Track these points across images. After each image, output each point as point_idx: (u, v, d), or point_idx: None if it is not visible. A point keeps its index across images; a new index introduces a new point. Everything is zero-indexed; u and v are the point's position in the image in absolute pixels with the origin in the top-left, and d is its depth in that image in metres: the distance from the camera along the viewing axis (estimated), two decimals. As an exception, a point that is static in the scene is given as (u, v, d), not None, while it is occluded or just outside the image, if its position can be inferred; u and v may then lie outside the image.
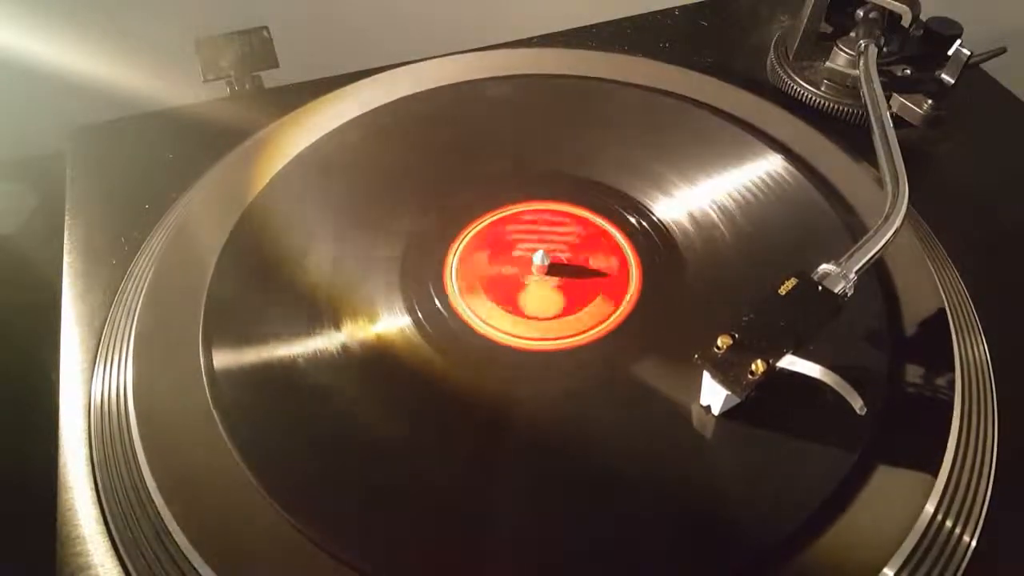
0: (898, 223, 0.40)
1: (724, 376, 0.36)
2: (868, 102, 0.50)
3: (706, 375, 0.37)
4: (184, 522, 0.34)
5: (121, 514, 0.36)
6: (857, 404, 0.34)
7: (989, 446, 0.39)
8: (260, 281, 0.44)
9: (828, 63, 0.58)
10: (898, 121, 0.54)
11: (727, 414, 0.38)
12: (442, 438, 0.38)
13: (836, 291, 0.38)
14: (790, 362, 0.35)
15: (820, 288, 0.38)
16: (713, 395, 0.37)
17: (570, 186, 0.49)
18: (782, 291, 0.37)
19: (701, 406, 0.38)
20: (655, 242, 0.46)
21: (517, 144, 0.52)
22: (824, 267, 0.38)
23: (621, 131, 0.52)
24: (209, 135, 0.53)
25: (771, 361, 0.35)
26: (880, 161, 0.45)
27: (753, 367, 0.35)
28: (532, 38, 0.62)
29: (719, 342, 0.36)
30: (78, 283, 0.46)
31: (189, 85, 0.59)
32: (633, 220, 0.47)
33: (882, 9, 0.55)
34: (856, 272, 0.38)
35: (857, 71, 0.53)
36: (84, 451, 0.39)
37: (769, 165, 0.49)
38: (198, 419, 0.37)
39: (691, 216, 0.47)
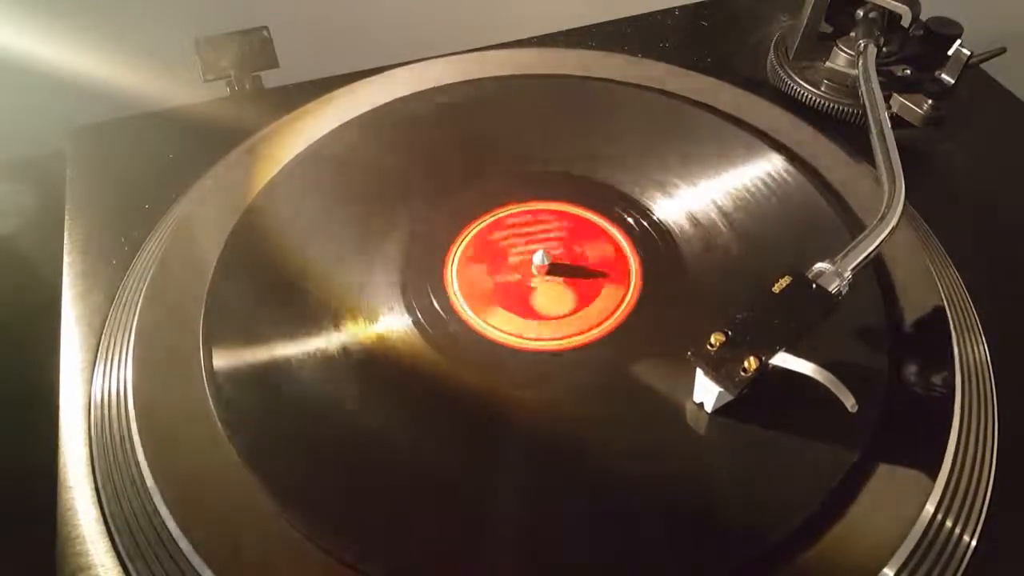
0: (894, 222, 0.40)
1: (717, 373, 0.36)
2: (867, 102, 0.50)
3: (699, 372, 0.37)
4: (184, 522, 0.34)
5: (121, 514, 0.36)
6: (849, 402, 0.34)
7: (989, 446, 0.39)
8: (260, 281, 0.44)
9: (828, 63, 0.58)
10: (898, 121, 0.54)
11: (724, 412, 0.38)
12: (441, 438, 0.38)
13: (830, 289, 0.38)
14: (783, 360, 0.35)
15: (814, 286, 0.38)
16: (706, 392, 0.37)
17: (570, 186, 0.49)
18: (776, 289, 0.38)
19: (695, 403, 0.38)
20: (655, 242, 0.46)
21: (517, 144, 0.52)
22: (819, 265, 0.39)
23: (621, 131, 0.52)
24: (209, 135, 0.53)
25: (764, 358, 0.35)
26: (877, 161, 0.45)
27: (746, 364, 0.35)
28: (532, 38, 0.62)
29: (712, 339, 0.36)
30: (78, 283, 0.46)
31: (189, 85, 0.59)
32: (633, 220, 0.47)
33: (882, 9, 0.55)
34: (851, 271, 0.38)
35: (857, 71, 0.53)
36: (84, 451, 0.39)
37: (769, 165, 0.49)
38: (198, 419, 0.37)
39: (691, 216, 0.47)
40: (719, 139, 0.51)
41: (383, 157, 0.51)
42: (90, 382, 0.41)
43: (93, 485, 0.38)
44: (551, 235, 0.47)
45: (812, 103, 0.57)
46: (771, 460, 0.37)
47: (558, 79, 0.56)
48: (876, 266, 0.43)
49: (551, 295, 0.44)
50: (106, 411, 0.39)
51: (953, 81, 0.54)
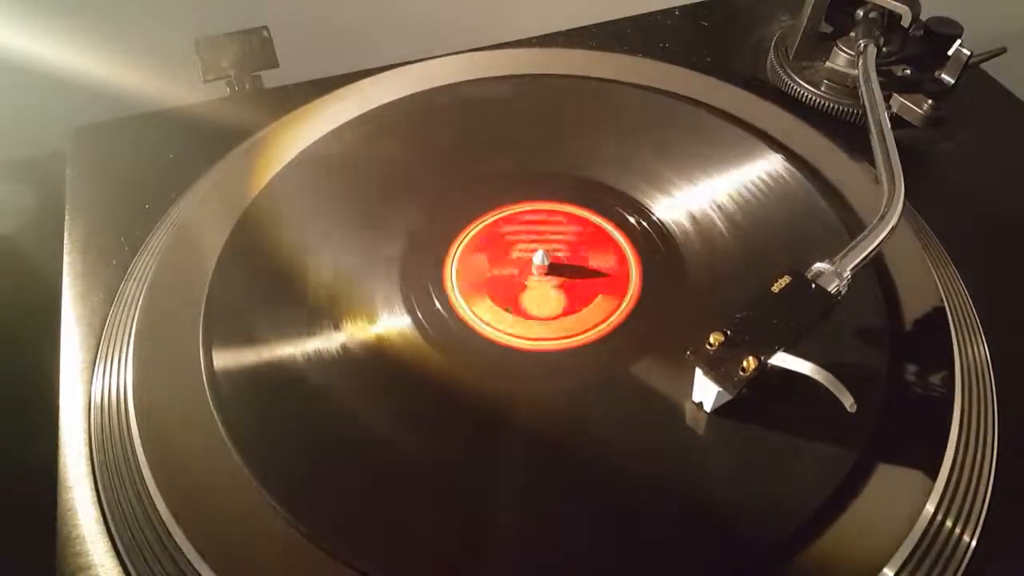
0: (893, 222, 0.40)
1: (716, 373, 0.36)
2: (866, 102, 0.50)
3: (698, 372, 0.37)
4: (184, 522, 0.34)
5: (121, 514, 0.36)
6: (848, 402, 0.34)
7: (989, 446, 0.39)
8: (260, 281, 0.44)
9: (828, 63, 0.58)
10: (898, 121, 0.54)
11: (723, 412, 0.38)
12: (441, 438, 0.38)
13: (830, 289, 0.38)
14: (782, 359, 0.35)
15: (813, 286, 0.38)
16: (705, 392, 0.37)
17: (570, 186, 0.49)
18: (775, 289, 0.38)
19: (694, 403, 0.38)
20: (655, 242, 0.46)
21: (517, 144, 0.52)
22: (818, 265, 0.39)
23: (621, 131, 0.52)
24: (209, 135, 0.53)
25: (762, 358, 0.35)
26: (877, 161, 0.45)
27: (744, 364, 0.35)
28: (532, 38, 0.62)
29: (711, 339, 0.36)
30: (78, 283, 0.46)
31: (189, 85, 0.59)
32: (633, 220, 0.47)
33: (882, 9, 0.55)
34: (850, 271, 0.38)
35: (857, 71, 0.53)
36: (84, 451, 0.39)
37: (769, 165, 0.49)
38: (198, 419, 0.37)
39: (691, 216, 0.47)
40: (719, 139, 0.51)
41: (382, 157, 0.51)
42: (90, 382, 0.41)
43: (93, 485, 0.38)
44: (550, 235, 0.47)
45: (812, 103, 0.57)
46: (770, 460, 0.37)
47: (558, 79, 0.56)
48: (876, 266, 0.43)
49: (552, 295, 0.44)
50: (106, 411, 0.39)
51: (953, 81, 0.54)
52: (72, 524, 0.37)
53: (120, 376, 0.40)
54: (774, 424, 0.37)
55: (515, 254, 0.46)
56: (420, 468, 0.37)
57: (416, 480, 0.36)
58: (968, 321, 0.44)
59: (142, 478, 0.36)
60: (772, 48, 0.61)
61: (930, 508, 0.35)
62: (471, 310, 0.43)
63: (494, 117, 0.54)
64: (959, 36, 0.55)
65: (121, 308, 0.44)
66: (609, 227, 0.47)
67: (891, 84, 0.55)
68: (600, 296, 0.43)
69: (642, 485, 0.36)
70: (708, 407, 0.38)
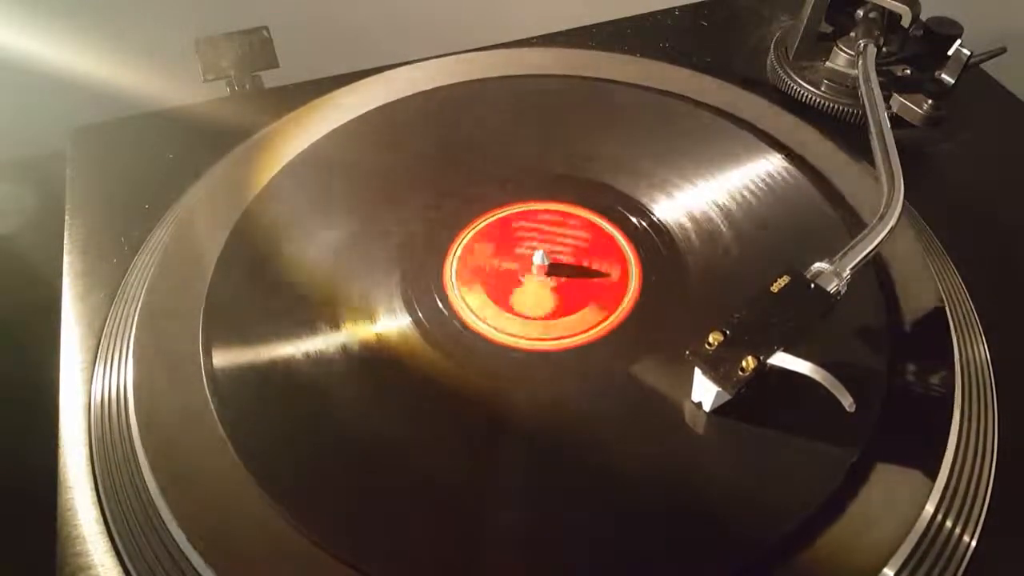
0: (893, 222, 0.40)
1: (715, 372, 0.36)
2: (867, 102, 0.50)
3: (697, 371, 0.37)
4: (184, 522, 0.34)
5: (121, 514, 0.36)
6: (847, 401, 0.34)
7: (989, 446, 0.39)
8: (260, 281, 0.44)
9: (828, 63, 0.58)
10: (898, 121, 0.54)
11: (722, 411, 0.38)
12: (441, 438, 0.38)
13: (829, 289, 0.38)
14: (781, 359, 0.35)
15: (812, 286, 0.38)
16: (704, 391, 0.37)
17: (570, 186, 0.49)
18: (774, 288, 0.38)
19: (693, 403, 0.38)
20: (655, 242, 0.46)
21: (516, 144, 0.52)
22: (817, 265, 0.39)
23: (621, 131, 0.52)
24: (209, 135, 0.53)
25: (761, 358, 0.35)
26: (877, 161, 0.45)
27: (743, 364, 0.35)
28: (532, 38, 0.62)
29: (710, 338, 0.36)
30: (78, 283, 0.46)
31: (189, 85, 0.59)
32: (633, 220, 0.47)
33: (882, 9, 0.55)
34: (850, 270, 0.38)
35: (857, 71, 0.53)
36: (84, 451, 0.39)
37: (769, 165, 0.49)
38: (198, 419, 0.37)
39: (691, 216, 0.47)
40: (719, 139, 0.51)
41: (382, 157, 0.51)
42: (90, 382, 0.41)
43: (93, 485, 0.38)
44: (550, 235, 0.47)
45: (812, 103, 0.57)
46: (770, 460, 0.37)
47: (558, 79, 0.56)
48: (876, 266, 0.43)
49: (553, 295, 0.44)
50: (106, 411, 0.39)
51: (953, 81, 0.54)
52: (72, 524, 0.37)
53: (120, 376, 0.40)
54: (773, 424, 0.37)
55: (515, 255, 0.46)
56: (420, 467, 0.37)
57: (416, 479, 0.36)
58: (968, 321, 0.44)
59: (142, 478, 0.36)
60: (772, 48, 0.61)
61: (930, 508, 0.35)
62: (471, 310, 0.43)
63: (493, 117, 0.54)
64: (959, 36, 0.55)
65: (121, 308, 0.44)
66: (609, 227, 0.47)
67: (891, 84, 0.55)
68: (600, 296, 0.43)
69: (641, 485, 0.36)
70: (707, 407, 0.38)
